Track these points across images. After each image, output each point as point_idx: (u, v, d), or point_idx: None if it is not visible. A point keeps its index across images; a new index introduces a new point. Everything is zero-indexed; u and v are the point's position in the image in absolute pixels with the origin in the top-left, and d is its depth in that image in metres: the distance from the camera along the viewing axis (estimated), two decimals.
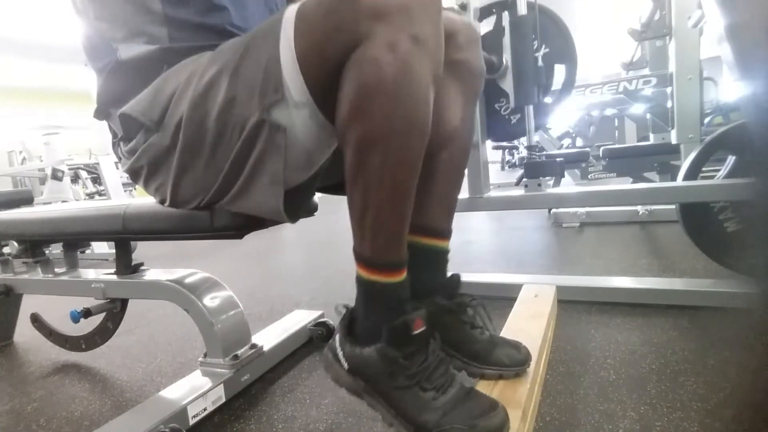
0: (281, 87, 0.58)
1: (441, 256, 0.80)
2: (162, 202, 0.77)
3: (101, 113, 0.79)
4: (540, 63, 1.36)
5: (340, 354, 0.66)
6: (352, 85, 0.54)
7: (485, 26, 1.45)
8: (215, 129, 0.63)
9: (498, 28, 1.41)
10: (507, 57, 1.35)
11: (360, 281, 0.64)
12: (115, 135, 0.80)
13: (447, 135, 0.76)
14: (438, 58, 0.56)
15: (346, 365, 0.65)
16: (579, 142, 4.59)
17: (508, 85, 1.36)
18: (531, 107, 1.40)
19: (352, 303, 0.67)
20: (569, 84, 1.47)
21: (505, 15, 1.37)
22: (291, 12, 0.58)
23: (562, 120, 4.83)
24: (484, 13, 1.44)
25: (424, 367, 0.62)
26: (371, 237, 0.61)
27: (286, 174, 0.63)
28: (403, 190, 0.59)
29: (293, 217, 0.68)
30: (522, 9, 1.32)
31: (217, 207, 0.72)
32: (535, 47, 1.36)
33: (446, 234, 0.81)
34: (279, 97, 0.58)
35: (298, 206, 0.69)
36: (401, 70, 0.52)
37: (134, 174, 0.77)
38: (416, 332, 0.62)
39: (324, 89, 0.57)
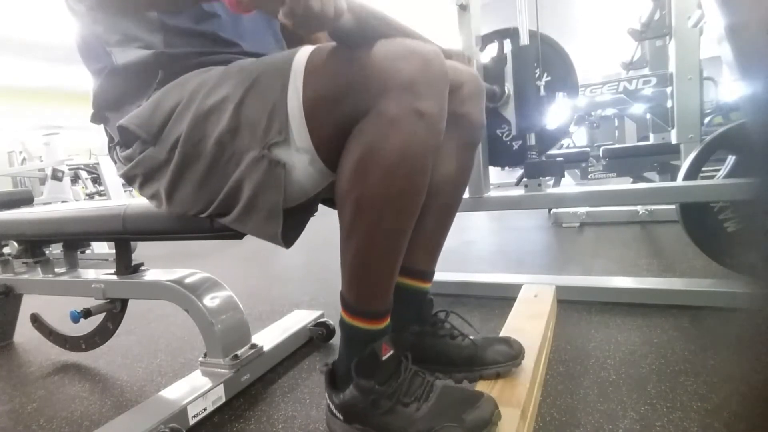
0: (285, 131, 0.59)
1: (420, 297, 0.83)
2: (158, 207, 0.77)
3: (98, 117, 0.79)
4: (542, 92, 1.38)
5: (333, 407, 0.68)
6: (354, 153, 0.56)
7: (487, 54, 1.46)
8: (212, 152, 0.64)
9: (500, 56, 1.42)
10: (509, 86, 1.36)
11: (343, 325, 0.66)
12: (111, 139, 0.79)
13: (442, 182, 0.79)
14: (440, 130, 0.58)
15: (340, 416, 0.67)
16: (579, 141, 4.59)
17: (510, 113, 1.38)
18: (533, 134, 1.40)
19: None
20: (570, 120, 1.48)
21: (507, 43, 1.38)
22: (301, 59, 0.59)
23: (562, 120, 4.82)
24: (486, 40, 1.44)
25: (399, 383, 0.64)
26: (357, 287, 0.63)
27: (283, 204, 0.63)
28: (393, 249, 0.61)
29: (289, 243, 0.68)
30: (524, 38, 1.33)
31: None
32: (536, 75, 1.37)
33: (428, 277, 0.84)
34: (282, 139, 0.59)
35: (295, 230, 0.70)
36: (403, 145, 0.54)
37: (129, 180, 0.77)
38: (385, 358, 0.64)
39: (326, 141, 0.59)
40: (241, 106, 0.61)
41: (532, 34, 1.35)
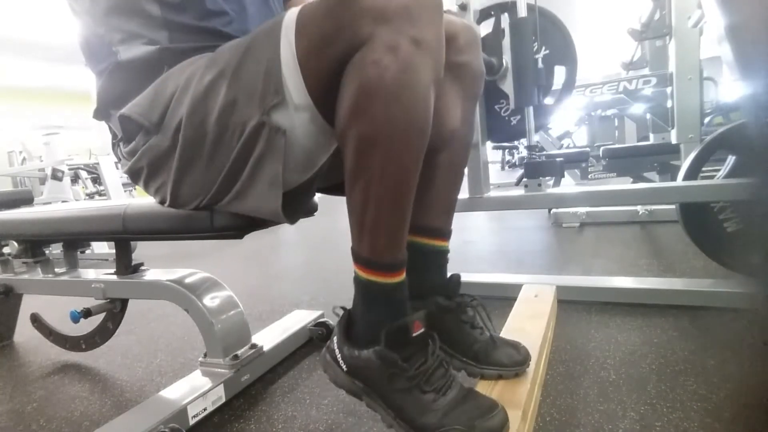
0: (281, 89, 0.58)
1: (441, 257, 0.80)
2: (162, 202, 0.77)
3: (101, 114, 0.79)
4: (540, 65, 1.36)
5: (338, 356, 0.66)
6: (352, 87, 0.54)
7: (485, 28, 1.45)
8: (215, 131, 0.63)
9: (497, 30, 1.41)
10: (507, 59, 1.35)
11: (358, 281, 0.64)
12: (114, 136, 0.79)
13: (447, 136, 0.77)
14: (439, 60, 0.57)
15: (344, 367, 0.65)
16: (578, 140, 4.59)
17: (508, 86, 1.36)
18: (531, 108, 1.40)
19: (351, 304, 0.66)
20: (569, 85, 1.47)
21: (505, 17, 1.37)
22: (292, 14, 0.58)
23: (562, 120, 4.83)
24: (483, 15, 1.44)
25: (424, 369, 0.62)
26: (370, 237, 0.60)
27: (285, 176, 0.62)
28: (402, 190, 0.59)
29: (292, 219, 0.67)
30: (522, 11, 1.32)
31: (217, 207, 0.72)
32: (535, 49, 1.36)
33: (446, 234, 0.81)
34: (279, 99, 0.58)
35: (297, 207, 0.69)
36: (402, 72, 0.52)
37: (134, 175, 0.77)
38: (415, 334, 0.62)
39: (324, 92, 0.57)
40: (236, 76, 0.61)
41: (530, 7, 1.34)
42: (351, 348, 0.64)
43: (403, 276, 0.63)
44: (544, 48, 1.41)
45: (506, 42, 1.34)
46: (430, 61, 0.55)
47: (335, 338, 0.67)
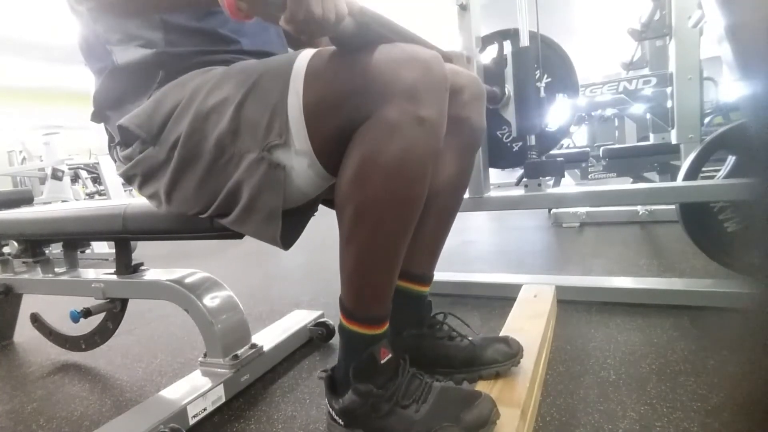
0: (285, 133, 0.59)
1: (419, 301, 0.83)
2: (157, 207, 0.77)
3: (98, 116, 0.79)
4: (542, 93, 1.37)
5: (333, 414, 0.68)
6: (355, 158, 0.56)
7: (487, 56, 1.46)
8: (212, 153, 0.64)
9: (500, 58, 1.42)
10: (509, 87, 1.36)
11: (342, 330, 0.66)
12: (111, 139, 0.79)
13: (442, 185, 0.79)
14: (440, 136, 0.58)
15: (341, 421, 0.67)
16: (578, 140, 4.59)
17: (510, 114, 1.38)
18: (533, 136, 1.41)
19: None
20: (571, 120, 1.48)
21: (507, 44, 1.38)
22: (302, 62, 0.59)
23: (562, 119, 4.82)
24: (485, 42, 1.44)
25: (397, 385, 0.64)
26: (356, 293, 0.63)
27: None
28: (392, 256, 0.61)
29: (288, 245, 0.68)
30: (524, 40, 1.33)
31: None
32: (537, 77, 1.37)
33: (427, 280, 0.84)
34: (282, 141, 0.59)
35: (294, 232, 0.70)
36: (403, 151, 0.54)
37: (129, 179, 0.77)
38: (383, 361, 0.64)
39: (326, 145, 0.58)
40: (241, 108, 0.61)
41: (532, 36, 1.35)
42: (337, 399, 0.67)
43: (385, 327, 0.66)
44: (546, 76, 1.42)
45: (508, 70, 1.35)
46: (431, 138, 0.56)
47: (326, 400, 0.70)
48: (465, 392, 0.66)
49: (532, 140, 1.38)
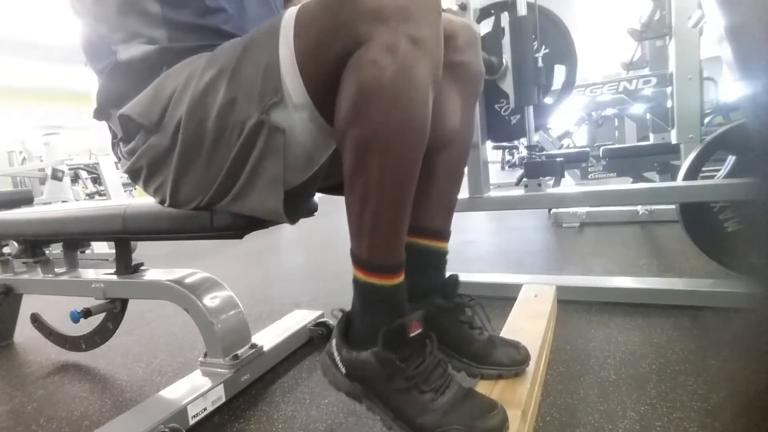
0: (280, 89, 0.58)
1: (439, 258, 0.80)
2: (162, 202, 0.77)
3: (101, 113, 0.79)
4: (540, 63, 1.36)
5: (337, 358, 0.66)
6: (350, 87, 0.54)
7: (485, 27, 1.45)
8: (214, 130, 0.63)
9: (497, 29, 1.41)
10: (507, 58, 1.35)
11: (357, 283, 0.64)
12: (114, 135, 0.80)
13: (446, 136, 0.76)
14: (437, 60, 0.56)
15: (343, 369, 0.65)
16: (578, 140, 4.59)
17: (507, 85, 1.36)
18: (531, 108, 1.40)
19: (350, 305, 0.66)
20: (569, 84, 1.47)
21: (505, 16, 1.37)
22: (290, 14, 0.58)
23: (563, 120, 4.83)
24: (483, 14, 1.44)
25: (422, 369, 0.62)
26: (369, 239, 0.60)
27: (285, 175, 0.62)
28: (401, 191, 0.58)
29: (293, 218, 0.67)
30: (522, 10, 1.32)
31: (217, 207, 0.72)
32: (534, 48, 1.36)
33: (445, 235, 0.80)
34: (278, 98, 0.58)
35: (297, 207, 0.69)
36: (400, 72, 0.52)
37: (134, 174, 0.77)
38: (413, 334, 0.62)
39: (323, 91, 0.57)
40: (235, 76, 0.61)
41: (530, 6, 1.33)
42: (349, 350, 0.64)
43: (401, 278, 0.63)
44: (544, 47, 1.41)
45: (506, 41, 1.34)
46: (429, 60, 0.54)
47: (334, 341, 0.67)
48: (483, 400, 0.63)
49: (530, 113, 1.36)
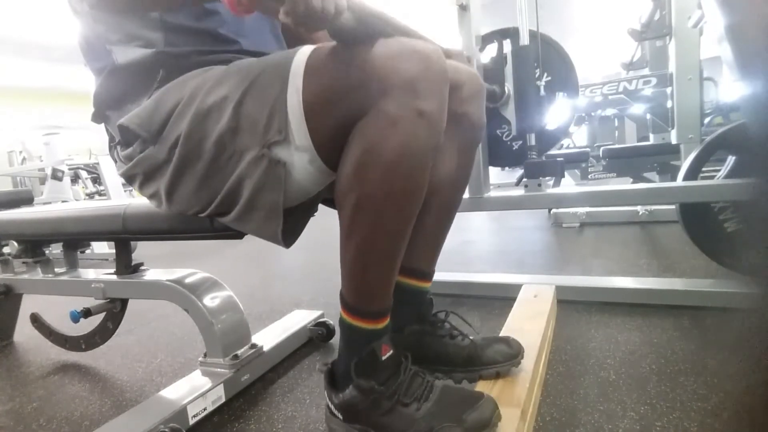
0: (285, 129, 0.59)
1: (420, 297, 0.83)
2: (158, 206, 0.77)
3: (98, 116, 0.79)
4: (542, 92, 1.37)
5: (332, 408, 0.68)
6: (355, 152, 0.56)
7: (486, 54, 1.46)
8: (213, 152, 0.64)
9: (500, 57, 1.42)
10: (509, 86, 1.36)
11: (343, 325, 0.66)
12: (112, 138, 0.79)
13: (442, 181, 0.79)
14: (440, 129, 0.58)
15: (340, 415, 0.67)
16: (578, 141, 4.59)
17: (510, 113, 1.38)
18: (533, 134, 1.40)
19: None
20: (571, 119, 1.48)
21: (507, 43, 1.38)
22: (301, 58, 0.59)
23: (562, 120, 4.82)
24: (485, 41, 1.44)
25: (399, 383, 0.64)
26: (357, 287, 0.63)
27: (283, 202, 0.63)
28: (393, 250, 0.61)
29: (289, 243, 0.68)
30: (524, 38, 1.33)
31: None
32: (536, 75, 1.37)
33: (428, 277, 0.84)
34: (282, 138, 0.59)
35: (295, 230, 0.70)
36: (403, 144, 0.54)
37: (129, 179, 0.77)
38: (385, 358, 0.64)
39: (326, 140, 0.59)
40: (240, 106, 0.61)
41: (532, 34, 1.35)
42: (337, 394, 0.67)
43: (386, 322, 0.66)
44: (546, 74, 1.42)
45: (508, 69, 1.35)
46: (431, 131, 0.56)
47: (326, 393, 0.69)
48: (467, 393, 0.66)
49: (532, 139, 1.38)
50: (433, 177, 0.66)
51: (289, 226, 0.64)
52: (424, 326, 0.81)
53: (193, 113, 0.64)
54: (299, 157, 0.60)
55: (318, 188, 0.66)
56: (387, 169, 0.55)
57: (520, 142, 1.46)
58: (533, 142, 1.38)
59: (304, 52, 0.59)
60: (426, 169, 0.58)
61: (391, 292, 0.66)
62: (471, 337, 0.81)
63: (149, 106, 0.69)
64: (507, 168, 1.62)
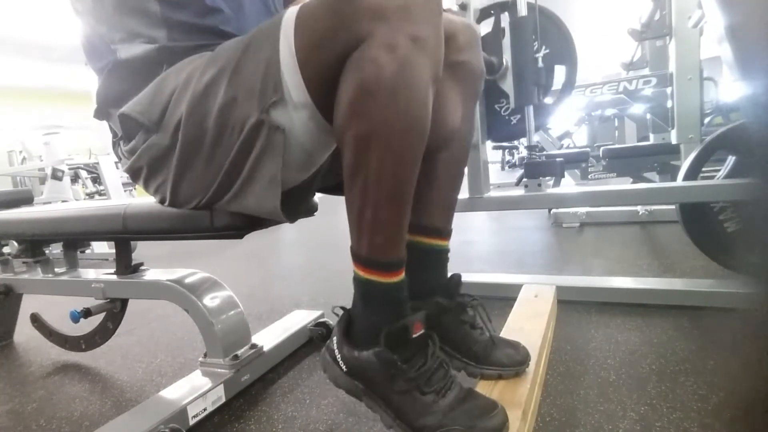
0: (280, 87, 0.58)
1: (441, 256, 0.80)
2: (162, 201, 0.77)
3: (101, 113, 0.79)
4: (540, 64, 1.36)
5: (338, 356, 0.65)
6: (350, 85, 0.54)
7: (485, 27, 1.45)
8: (214, 129, 0.63)
9: (497, 29, 1.41)
10: (507, 58, 1.35)
11: (357, 281, 0.63)
12: (115, 135, 0.80)
13: (446, 135, 0.76)
14: (438, 59, 0.56)
15: (344, 367, 0.65)
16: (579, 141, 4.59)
17: (508, 86, 1.36)
18: (531, 107, 1.40)
19: (350, 304, 0.66)
20: (569, 84, 1.47)
21: (505, 16, 1.37)
22: (291, 13, 0.58)
23: (562, 120, 4.83)
24: (483, 14, 1.44)
25: (424, 370, 0.62)
26: (369, 236, 0.60)
27: (284, 174, 0.63)
28: (401, 188, 0.58)
29: (291, 218, 0.68)
30: (522, 10, 1.32)
31: (217, 207, 0.72)
32: (535, 48, 1.36)
33: (446, 234, 0.81)
34: (278, 97, 0.58)
35: (296, 206, 0.70)
36: (400, 70, 0.52)
37: (134, 174, 0.77)
38: (415, 336, 0.62)
39: (323, 90, 0.57)
40: (235, 74, 0.61)
41: (530, 6, 1.34)
42: (350, 348, 0.64)
43: (402, 275, 0.63)
44: (544, 47, 1.41)
45: (506, 41, 1.34)
46: (429, 59, 0.54)
47: (335, 338, 0.67)
48: (483, 401, 0.63)
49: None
50: (439, 130, 0.64)
51: (289, 203, 0.64)
52: (449, 303, 0.77)
53: (191, 94, 0.64)
54: (298, 116, 0.59)
55: (321, 152, 0.65)
56: (385, 98, 0.52)
57: (519, 115, 1.45)
58: (534, 143, 1.38)
59: (293, 9, 0.59)
60: (428, 101, 0.56)
61: (404, 241, 0.62)
62: (489, 335, 0.78)
63: (149, 93, 0.69)
64: (505, 142, 1.61)
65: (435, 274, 0.79)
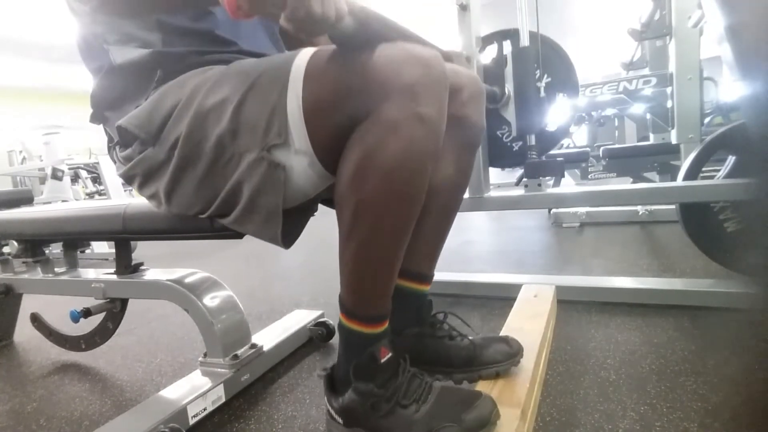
0: (284, 133, 0.59)
1: (420, 300, 0.83)
2: (157, 207, 0.77)
3: (97, 117, 0.79)
4: (542, 93, 1.38)
5: (333, 412, 0.68)
6: (355, 155, 0.56)
7: (487, 55, 1.46)
8: (212, 153, 0.64)
9: (500, 58, 1.42)
10: (509, 87, 1.36)
11: (342, 329, 0.66)
12: (110, 139, 0.79)
13: (441, 184, 0.79)
14: (439, 135, 0.58)
15: (340, 420, 0.67)
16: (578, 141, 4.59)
17: (510, 114, 1.38)
18: (533, 135, 1.40)
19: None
20: (571, 120, 1.48)
21: (507, 44, 1.38)
22: (301, 62, 0.59)
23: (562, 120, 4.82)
24: (485, 42, 1.44)
25: (397, 385, 0.64)
26: (356, 291, 0.63)
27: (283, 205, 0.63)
28: (392, 254, 0.61)
29: (289, 244, 0.68)
30: (524, 40, 1.33)
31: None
32: (537, 76, 1.37)
33: (428, 279, 0.84)
34: (282, 141, 0.59)
35: (294, 231, 0.70)
36: (403, 150, 0.54)
37: (128, 180, 0.77)
38: (383, 361, 0.64)
39: (326, 144, 0.59)
40: (240, 108, 0.61)
41: (533, 36, 1.35)
42: (336, 398, 0.67)
43: (385, 326, 0.66)
44: (546, 76, 1.42)
45: (508, 70, 1.35)
46: (431, 136, 0.56)
47: (326, 398, 0.69)
48: (465, 392, 0.66)
49: (532, 140, 1.38)
50: (432, 179, 0.66)
51: (288, 227, 0.65)
52: (423, 328, 0.81)
53: (192, 114, 0.64)
54: (298, 161, 0.60)
55: (317, 191, 0.66)
56: (387, 174, 0.55)
57: (521, 142, 1.46)
58: (533, 143, 1.38)
59: (304, 55, 0.59)
60: (426, 174, 0.58)
61: (390, 297, 0.66)
62: (470, 338, 0.81)
63: (147, 107, 0.69)
64: (507, 168, 1.62)
65: (411, 315, 0.82)
